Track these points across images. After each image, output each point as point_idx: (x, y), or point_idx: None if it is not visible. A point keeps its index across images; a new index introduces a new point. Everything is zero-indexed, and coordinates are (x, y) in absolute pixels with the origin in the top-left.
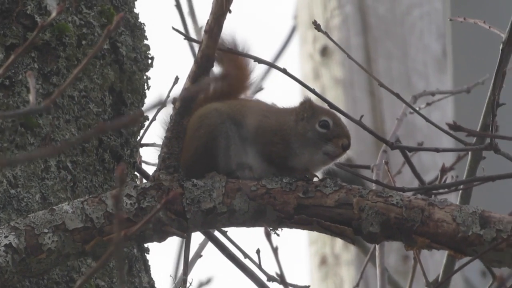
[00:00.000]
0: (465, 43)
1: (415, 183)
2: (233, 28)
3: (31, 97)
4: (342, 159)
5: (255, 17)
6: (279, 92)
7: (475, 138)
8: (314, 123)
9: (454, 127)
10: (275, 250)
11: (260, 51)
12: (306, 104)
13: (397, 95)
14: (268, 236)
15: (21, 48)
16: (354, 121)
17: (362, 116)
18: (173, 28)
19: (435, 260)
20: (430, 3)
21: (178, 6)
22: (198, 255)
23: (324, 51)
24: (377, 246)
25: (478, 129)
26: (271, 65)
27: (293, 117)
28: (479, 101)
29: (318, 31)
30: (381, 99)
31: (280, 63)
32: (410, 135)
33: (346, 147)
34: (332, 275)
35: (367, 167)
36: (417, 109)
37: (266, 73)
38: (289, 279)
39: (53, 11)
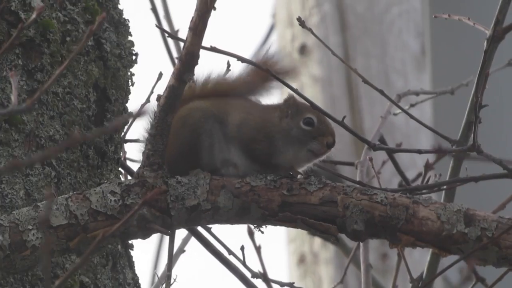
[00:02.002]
0: (444, 42)
1: (395, 182)
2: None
3: (13, 98)
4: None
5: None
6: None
7: (458, 137)
8: (298, 121)
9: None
10: (258, 249)
11: (239, 49)
12: (290, 101)
13: (381, 92)
14: (251, 234)
15: (4, 46)
16: (336, 121)
17: (344, 117)
18: (157, 26)
19: (413, 259)
20: (409, 1)
21: (154, 9)
22: (181, 250)
23: (303, 50)
24: (361, 244)
25: (461, 129)
26: (255, 64)
27: (277, 114)
28: (458, 101)
29: (303, 27)
30: (360, 97)
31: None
32: (389, 134)
33: (330, 145)
34: (310, 273)
35: (351, 164)
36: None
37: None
38: (271, 277)
39: (38, 7)
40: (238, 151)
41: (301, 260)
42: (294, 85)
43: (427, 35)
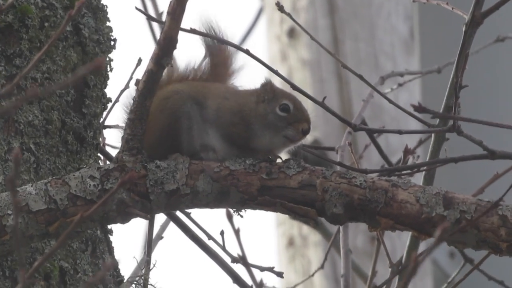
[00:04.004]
0: (433, 25)
1: (383, 164)
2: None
3: None
4: (305, 141)
5: None
6: (244, 74)
7: (438, 119)
8: (274, 106)
9: (419, 108)
10: (237, 232)
11: (227, 32)
12: (267, 86)
13: (360, 77)
14: (229, 218)
15: None
16: (317, 102)
17: (325, 98)
18: (136, 8)
19: (402, 241)
20: None
21: None
22: (159, 237)
23: (291, 33)
24: (341, 228)
25: (441, 111)
26: (234, 46)
27: (254, 99)
28: (447, 83)
29: (282, 12)
30: (349, 80)
31: (247, 45)
32: (377, 117)
33: (305, 132)
34: (299, 256)
35: (332, 149)
36: (387, 90)
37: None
38: (255, 261)
39: None
40: (216, 135)
41: (290, 243)
42: (283, 69)
43: (416, 18)
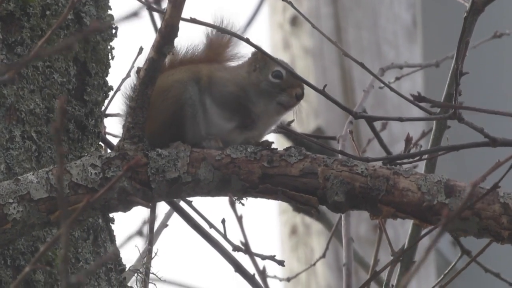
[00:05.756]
0: (435, 13)
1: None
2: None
3: None
4: (310, 129)
5: None
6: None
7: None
8: (267, 74)
9: (418, 98)
10: (239, 219)
11: (230, 20)
12: (258, 55)
13: (362, 65)
14: (232, 204)
15: None
16: (317, 90)
17: (325, 86)
18: None
19: (405, 230)
20: None
21: None
22: (164, 224)
23: (294, 21)
24: (342, 216)
25: (442, 99)
26: (235, 35)
27: (245, 69)
28: (448, 73)
29: (283, 0)
30: (351, 69)
31: (249, 33)
32: (380, 106)
33: (299, 97)
34: (302, 244)
35: (333, 138)
36: (390, 80)
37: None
38: (258, 249)
39: None
40: (216, 113)
41: (293, 231)
42: (285, 57)
43: (419, 6)
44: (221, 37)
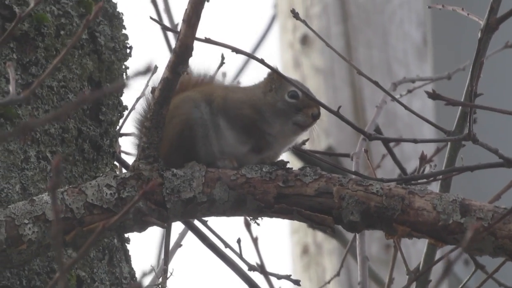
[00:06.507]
0: (446, 32)
1: (396, 173)
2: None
3: (11, 88)
4: (321, 148)
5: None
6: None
7: (454, 127)
8: (283, 94)
9: (433, 95)
10: (255, 240)
11: (241, 40)
12: (274, 75)
13: (376, 83)
14: (248, 226)
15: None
16: (332, 112)
17: (339, 107)
18: (151, 18)
19: (417, 249)
20: None
21: (154, 2)
22: (178, 244)
23: (304, 40)
24: (357, 235)
25: (456, 119)
26: (249, 55)
27: (261, 90)
28: (460, 90)
29: (297, 19)
30: (362, 88)
31: (260, 53)
32: (390, 124)
33: (316, 117)
34: (314, 264)
35: (347, 155)
36: (398, 97)
37: (245, 63)
38: (270, 269)
39: (31, 1)
40: (230, 134)
41: (305, 251)
42: (296, 76)
43: (429, 25)
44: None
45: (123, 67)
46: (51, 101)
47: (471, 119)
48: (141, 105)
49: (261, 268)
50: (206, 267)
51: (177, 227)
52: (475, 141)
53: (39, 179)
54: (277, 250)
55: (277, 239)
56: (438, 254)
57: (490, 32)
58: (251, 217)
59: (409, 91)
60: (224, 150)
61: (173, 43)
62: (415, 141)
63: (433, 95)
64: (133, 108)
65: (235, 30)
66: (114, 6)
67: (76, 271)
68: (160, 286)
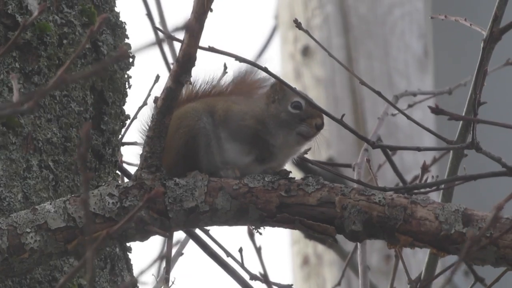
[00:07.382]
0: (447, 43)
1: (397, 183)
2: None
3: (15, 98)
4: (322, 159)
5: (236, 16)
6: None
7: (456, 136)
8: (286, 105)
9: (436, 110)
10: (258, 250)
11: (241, 51)
12: (276, 86)
13: (379, 93)
14: (251, 235)
15: (2, 48)
16: (335, 120)
17: (343, 115)
18: (154, 27)
19: (417, 259)
20: (411, 2)
21: (149, 15)
22: (179, 253)
23: (305, 51)
24: (358, 245)
25: (458, 129)
26: (253, 64)
27: (264, 101)
28: (461, 101)
29: (299, 29)
30: (363, 98)
31: (261, 63)
32: (392, 135)
33: (319, 127)
34: (314, 275)
35: (349, 166)
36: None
37: None
38: (272, 279)
39: (34, 10)
40: (233, 145)
41: (305, 261)
42: (297, 87)
43: (430, 36)
44: (251, 78)
45: (126, 76)
46: (54, 110)
47: (474, 129)
48: (147, 115)
49: (264, 278)
50: (207, 276)
51: (178, 235)
52: (479, 149)
53: (41, 188)
54: (277, 260)
55: (278, 250)
56: (439, 264)
57: (493, 42)
58: (254, 227)
59: (410, 106)
60: (227, 160)
61: (169, 55)
62: (418, 149)
63: (436, 110)
64: (135, 117)
65: (235, 41)
66: (117, 15)
67: (78, 280)
68: None
